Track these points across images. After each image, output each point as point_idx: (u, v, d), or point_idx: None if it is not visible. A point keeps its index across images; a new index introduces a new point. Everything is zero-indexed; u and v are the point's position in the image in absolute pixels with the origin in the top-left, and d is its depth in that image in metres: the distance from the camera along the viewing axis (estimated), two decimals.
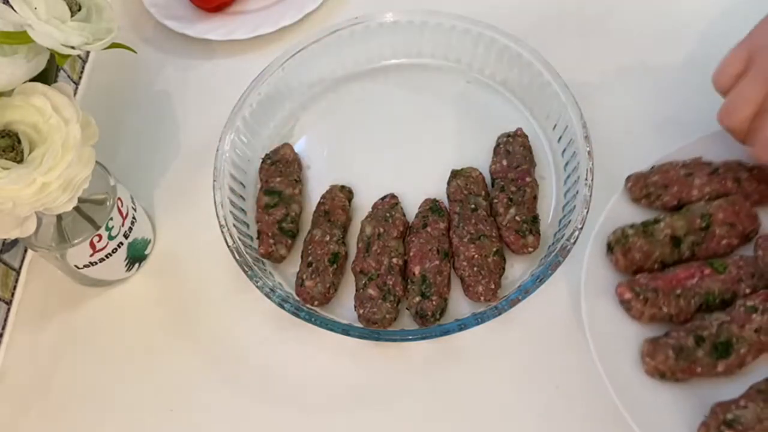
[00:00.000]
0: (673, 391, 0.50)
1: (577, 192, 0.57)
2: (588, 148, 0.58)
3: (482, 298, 0.55)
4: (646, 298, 0.51)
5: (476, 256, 0.56)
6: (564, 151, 0.62)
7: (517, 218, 0.58)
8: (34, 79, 0.50)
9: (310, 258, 0.58)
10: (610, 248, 0.54)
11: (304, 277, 0.58)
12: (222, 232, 0.58)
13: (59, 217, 0.57)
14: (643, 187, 0.56)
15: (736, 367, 0.49)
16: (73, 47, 0.50)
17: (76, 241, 0.56)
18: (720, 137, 0.56)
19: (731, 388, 0.49)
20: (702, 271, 0.52)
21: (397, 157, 0.66)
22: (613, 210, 0.56)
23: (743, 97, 0.50)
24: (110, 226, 0.58)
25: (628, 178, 0.57)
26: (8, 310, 0.64)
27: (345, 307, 0.58)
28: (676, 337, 0.49)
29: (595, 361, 0.50)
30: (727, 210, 0.53)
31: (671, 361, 0.49)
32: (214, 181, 0.61)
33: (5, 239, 0.64)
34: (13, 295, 0.64)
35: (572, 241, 0.54)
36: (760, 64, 0.50)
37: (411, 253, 0.58)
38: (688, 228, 0.53)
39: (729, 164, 0.57)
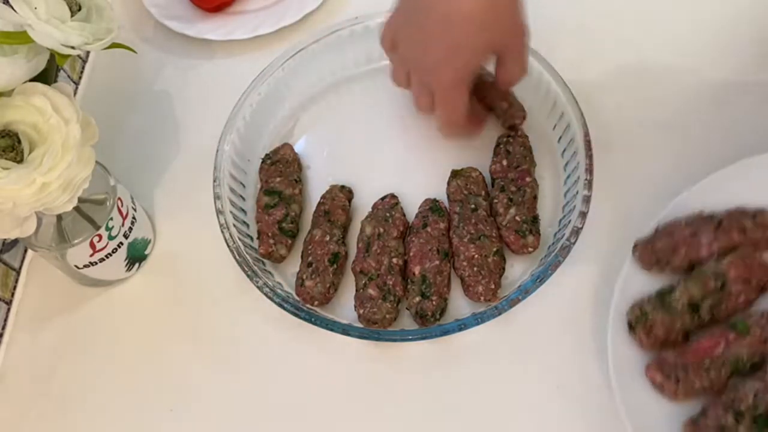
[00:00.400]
0: None
1: (577, 192, 0.57)
2: (588, 148, 0.58)
3: (482, 298, 0.55)
4: (677, 378, 0.50)
5: (476, 256, 0.56)
6: (564, 151, 0.62)
7: (517, 218, 0.58)
8: (34, 79, 0.50)
9: (310, 258, 0.58)
10: (631, 327, 0.53)
11: (304, 277, 0.58)
12: (222, 232, 0.58)
13: (59, 217, 0.57)
14: (651, 255, 0.55)
15: None
16: (73, 47, 0.50)
17: (76, 241, 0.56)
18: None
19: None
20: (726, 337, 0.51)
21: (397, 157, 0.66)
22: (626, 281, 0.55)
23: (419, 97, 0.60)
24: (110, 226, 0.58)
25: (635, 248, 0.55)
26: (8, 310, 0.64)
27: (345, 307, 0.58)
28: (714, 417, 0.48)
29: None
30: (739, 266, 0.52)
31: None
32: (214, 181, 0.61)
33: (5, 239, 0.64)
34: (13, 295, 0.64)
35: (572, 241, 0.54)
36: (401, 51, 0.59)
37: (411, 253, 0.58)
38: (704, 291, 0.52)
39: (732, 214, 0.55)
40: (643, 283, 0.55)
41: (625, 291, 0.54)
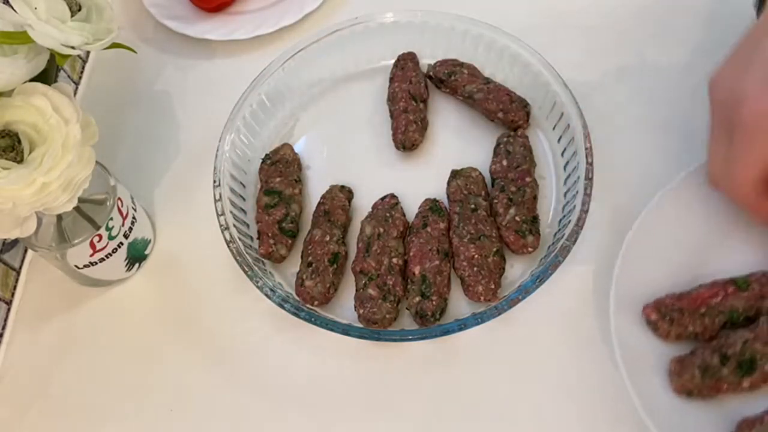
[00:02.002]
0: (700, 407, 0.50)
1: (577, 192, 0.57)
2: (588, 148, 0.58)
3: (482, 298, 0.55)
4: (672, 319, 0.52)
5: (476, 256, 0.56)
6: (564, 151, 0.62)
7: (517, 218, 0.58)
8: (34, 79, 0.50)
9: (310, 258, 0.58)
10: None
11: (304, 277, 0.58)
12: (222, 232, 0.58)
13: (59, 217, 0.57)
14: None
15: (761, 383, 0.49)
16: (73, 47, 0.50)
17: (76, 241, 0.56)
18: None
19: (757, 404, 0.49)
20: (726, 289, 0.52)
21: (397, 157, 0.66)
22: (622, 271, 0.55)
23: (712, 154, 0.48)
24: (110, 226, 0.58)
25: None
26: (8, 310, 0.64)
27: (345, 307, 0.58)
28: (701, 356, 0.50)
29: (624, 378, 0.50)
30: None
31: (697, 380, 0.49)
32: (214, 181, 0.61)
33: (5, 239, 0.64)
34: (13, 295, 0.64)
35: (572, 241, 0.54)
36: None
37: (411, 253, 0.58)
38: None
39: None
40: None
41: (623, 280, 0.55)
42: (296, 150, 0.66)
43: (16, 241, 0.65)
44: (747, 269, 0.54)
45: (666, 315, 0.52)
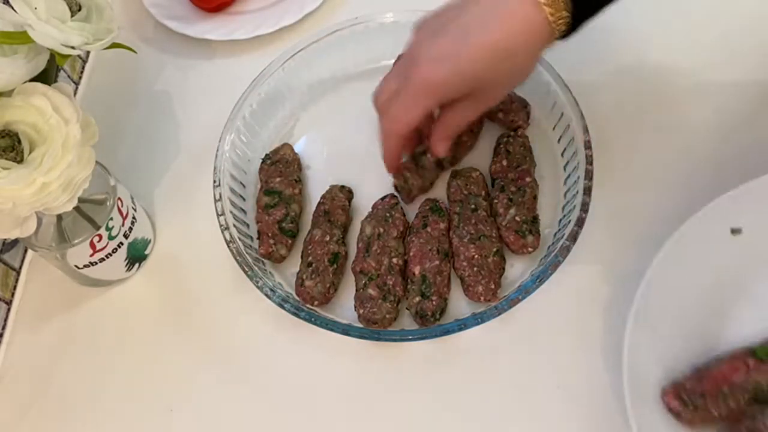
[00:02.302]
0: None
1: (577, 192, 0.57)
2: (588, 148, 0.58)
3: (482, 298, 0.55)
4: (695, 406, 0.48)
5: (476, 256, 0.56)
6: (564, 151, 0.62)
7: (517, 218, 0.58)
8: (34, 79, 0.50)
9: (310, 258, 0.58)
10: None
11: (304, 277, 0.58)
12: (222, 232, 0.58)
13: (59, 217, 0.57)
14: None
15: None
16: (73, 47, 0.50)
17: (76, 241, 0.56)
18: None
19: None
20: (747, 363, 0.49)
21: None
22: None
23: (386, 82, 0.54)
24: (110, 226, 0.58)
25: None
26: (8, 310, 0.64)
27: (345, 307, 0.58)
28: None
29: None
30: None
31: None
32: (214, 181, 0.61)
33: (5, 239, 0.64)
34: (13, 295, 0.64)
35: (572, 241, 0.54)
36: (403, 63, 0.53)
37: (411, 253, 0.58)
38: None
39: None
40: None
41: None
42: (296, 150, 0.66)
43: (16, 241, 0.65)
44: (763, 328, 0.51)
45: (688, 403, 0.48)
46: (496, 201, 0.59)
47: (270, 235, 0.60)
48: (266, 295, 0.55)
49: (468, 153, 0.64)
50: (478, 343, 0.56)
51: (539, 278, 0.53)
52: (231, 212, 0.60)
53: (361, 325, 0.55)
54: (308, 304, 0.57)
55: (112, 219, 0.57)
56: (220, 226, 0.59)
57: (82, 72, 0.78)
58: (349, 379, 0.57)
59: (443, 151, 0.56)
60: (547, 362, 0.55)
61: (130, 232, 0.60)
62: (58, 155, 0.48)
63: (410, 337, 0.54)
